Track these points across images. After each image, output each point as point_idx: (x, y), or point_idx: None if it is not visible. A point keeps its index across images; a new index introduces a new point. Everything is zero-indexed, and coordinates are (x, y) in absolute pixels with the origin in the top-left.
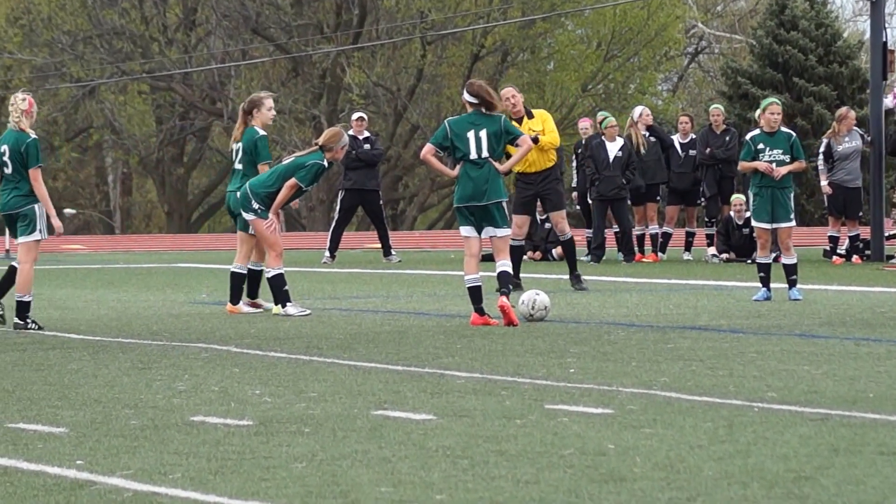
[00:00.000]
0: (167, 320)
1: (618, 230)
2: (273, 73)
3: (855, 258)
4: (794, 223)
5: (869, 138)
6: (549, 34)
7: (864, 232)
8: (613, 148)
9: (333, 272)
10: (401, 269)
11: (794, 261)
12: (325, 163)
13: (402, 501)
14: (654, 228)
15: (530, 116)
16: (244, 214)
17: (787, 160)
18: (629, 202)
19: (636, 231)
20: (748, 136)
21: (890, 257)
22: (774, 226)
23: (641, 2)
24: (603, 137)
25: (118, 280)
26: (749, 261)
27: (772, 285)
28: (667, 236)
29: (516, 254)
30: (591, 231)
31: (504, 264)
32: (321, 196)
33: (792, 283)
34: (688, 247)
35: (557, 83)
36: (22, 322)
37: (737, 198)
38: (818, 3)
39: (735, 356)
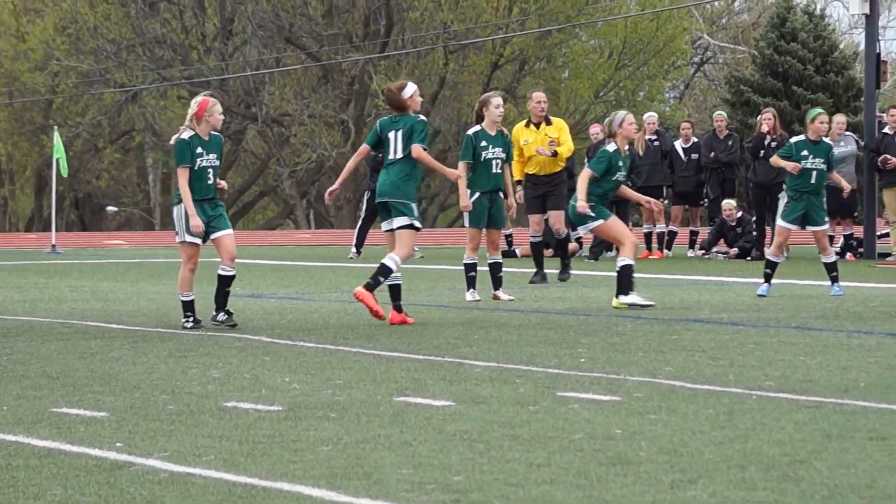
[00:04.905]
0: (203, 312)
1: None
2: (304, 80)
3: (849, 255)
4: (828, 226)
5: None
6: (564, 44)
7: (858, 231)
8: None
9: (359, 267)
10: (422, 264)
11: (833, 259)
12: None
13: (422, 482)
14: (660, 227)
15: (548, 123)
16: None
17: (825, 169)
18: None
19: (644, 229)
20: (793, 141)
21: (883, 255)
22: (811, 229)
23: (651, 15)
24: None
25: (157, 273)
26: (749, 258)
27: (775, 281)
28: (672, 234)
29: (537, 250)
30: None
31: (391, 257)
32: (348, 195)
33: (834, 280)
34: (692, 244)
35: (571, 90)
36: (183, 319)
37: (727, 203)
38: (816, 16)
39: (735, 347)
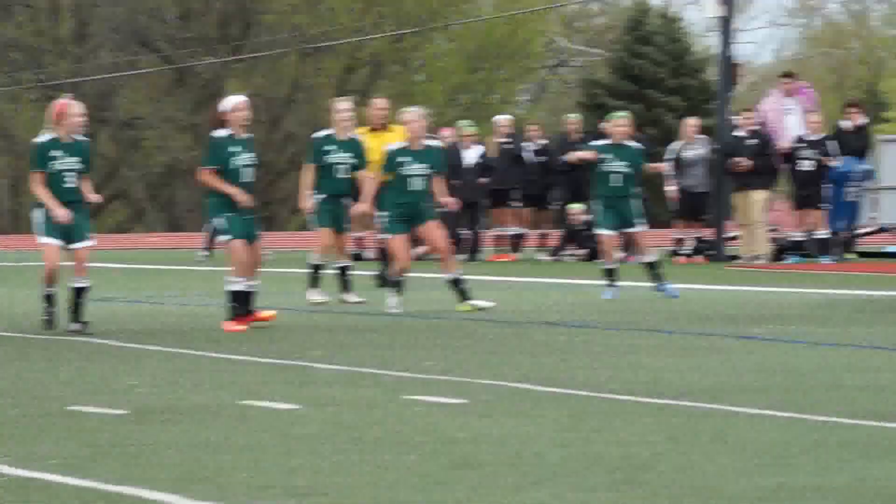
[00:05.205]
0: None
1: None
2: (159, 84)
3: (699, 258)
4: (645, 226)
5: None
6: (419, 48)
7: (707, 233)
8: (472, 155)
9: (208, 269)
10: (273, 267)
11: (654, 258)
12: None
13: (266, 486)
14: (510, 229)
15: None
16: None
17: (631, 172)
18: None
19: (493, 231)
20: (593, 144)
21: (732, 257)
22: (628, 230)
23: (507, 18)
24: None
25: (4, 276)
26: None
27: (623, 283)
28: (520, 237)
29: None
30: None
31: (225, 280)
32: (198, 199)
33: (659, 278)
34: (541, 247)
35: (425, 93)
36: (43, 306)
37: (574, 207)
38: (671, 19)
39: (583, 350)
